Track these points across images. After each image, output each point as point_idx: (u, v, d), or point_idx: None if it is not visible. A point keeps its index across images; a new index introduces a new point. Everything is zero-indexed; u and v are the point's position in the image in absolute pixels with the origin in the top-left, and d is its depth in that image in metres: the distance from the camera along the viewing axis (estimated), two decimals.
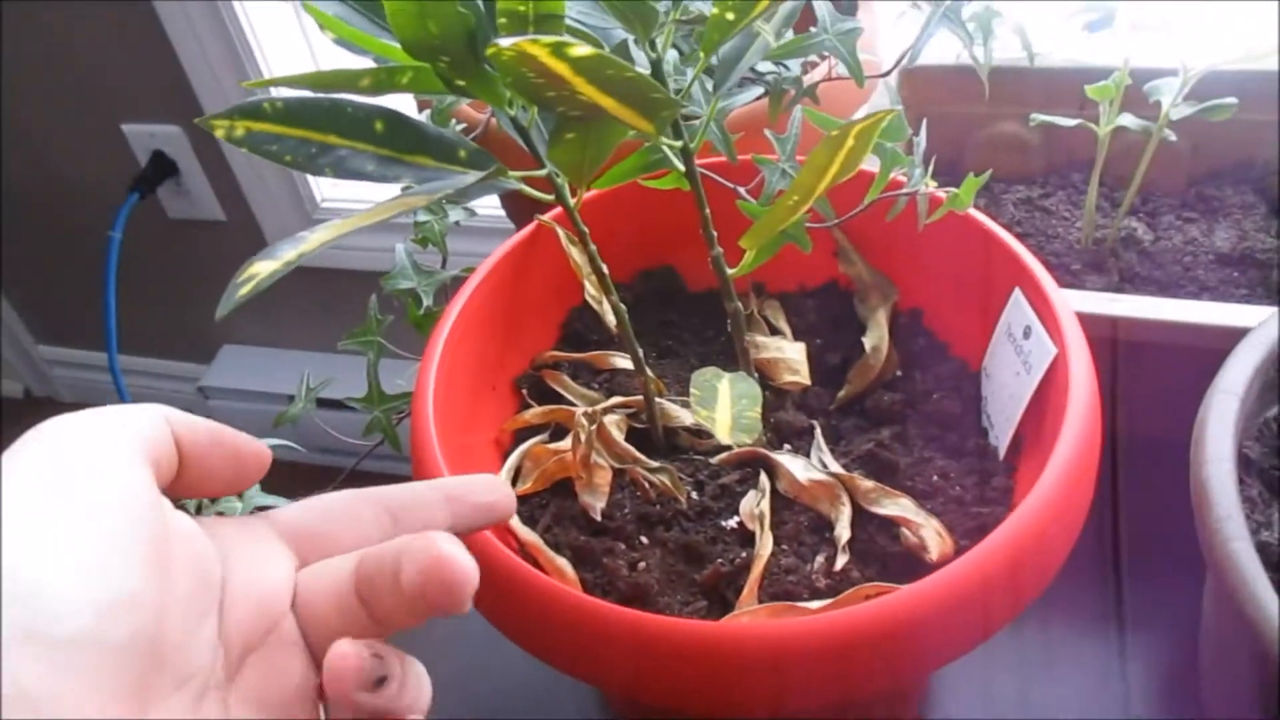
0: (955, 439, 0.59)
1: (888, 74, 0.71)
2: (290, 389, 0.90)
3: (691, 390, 0.47)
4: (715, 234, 0.51)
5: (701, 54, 0.41)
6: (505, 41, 0.32)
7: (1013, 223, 0.90)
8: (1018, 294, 0.57)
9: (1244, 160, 0.91)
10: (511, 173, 0.46)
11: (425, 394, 0.55)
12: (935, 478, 0.57)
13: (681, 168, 0.48)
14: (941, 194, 0.54)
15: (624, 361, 0.65)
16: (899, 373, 0.64)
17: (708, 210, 0.50)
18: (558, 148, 0.43)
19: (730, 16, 0.39)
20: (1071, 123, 0.80)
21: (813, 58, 0.77)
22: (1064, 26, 0.85)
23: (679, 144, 0.45)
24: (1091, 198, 0.84)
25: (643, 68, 0.42)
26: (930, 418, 0.61)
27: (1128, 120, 0.80)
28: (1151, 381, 0.69)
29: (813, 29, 0.62)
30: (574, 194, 0.50)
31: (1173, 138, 0.79)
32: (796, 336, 0.66)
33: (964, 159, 0.96)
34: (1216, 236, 0.87)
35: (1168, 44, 0.79)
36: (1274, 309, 0.61)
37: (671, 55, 0.67)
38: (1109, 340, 0.69)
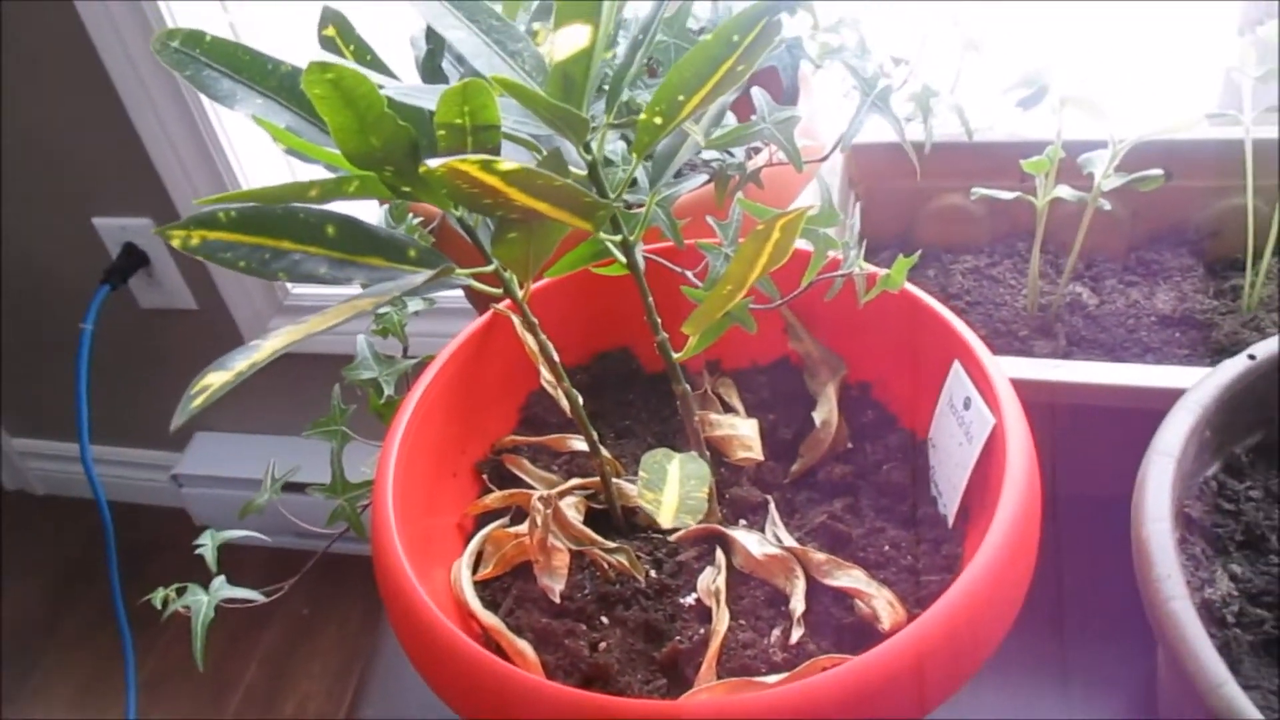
0: (906, 509, 0.61)
1: (826, 158, 0.73)
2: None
3: (640, 473, 0.48)
4: (659, 320, 0.53)
5: (634, 155, 0.44)
6: (434, 162, 0.34)
7: (962, 292, 0.92)
8: (957, 366, 0.59)
9: (1180, 224, 0.94)
10: (461, 270, 0.48)
11: (384, 484, 0.56)
12: (887, 547, 0.58)
13: (623, 259, 0.50)
14: (877, 272, 0.57)
15: (582, 444, 0.66)
16: (850, 445, 0.66)
17: (650, 299, 0.52)
18: (501, 246, 0.45)
19: (658, 121, 0.41)
20: (1010, 196, 0.83)
21: (756, 144, 0.80)
22: (1001, 101, 0.88)
23: (618, 238, 0.47)
24: (1034, 266, 0.87)
25: (581, 168, 0.45)
26: (881, 488, 0.62)
27: (1064, 192, 0.83)
28: (1096, 443, 0.71)
29: (753, 117, 0.65)
30: (523, 286, 0.52)
31: (1107, 207, 0.82)
32: (750, 412, 0.68)
33: (914, 231, 0.99)
34: (1157, 299, 0.89)
35: (1100, 116, 0.82)
36: (1207, 370, 0.64)
37: (620, 146, 0.70)
38: (1051, 405, 0.71)
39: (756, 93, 0.64)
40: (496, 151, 0.41)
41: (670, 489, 0.47)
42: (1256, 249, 0.84)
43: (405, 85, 0.39)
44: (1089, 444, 0.72)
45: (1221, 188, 0.88)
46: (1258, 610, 0.57)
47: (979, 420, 0.56)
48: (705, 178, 0.65)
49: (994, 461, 0.54)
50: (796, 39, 0.80)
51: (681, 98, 0.40)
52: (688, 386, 0.56)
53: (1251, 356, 0.63)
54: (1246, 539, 0.61)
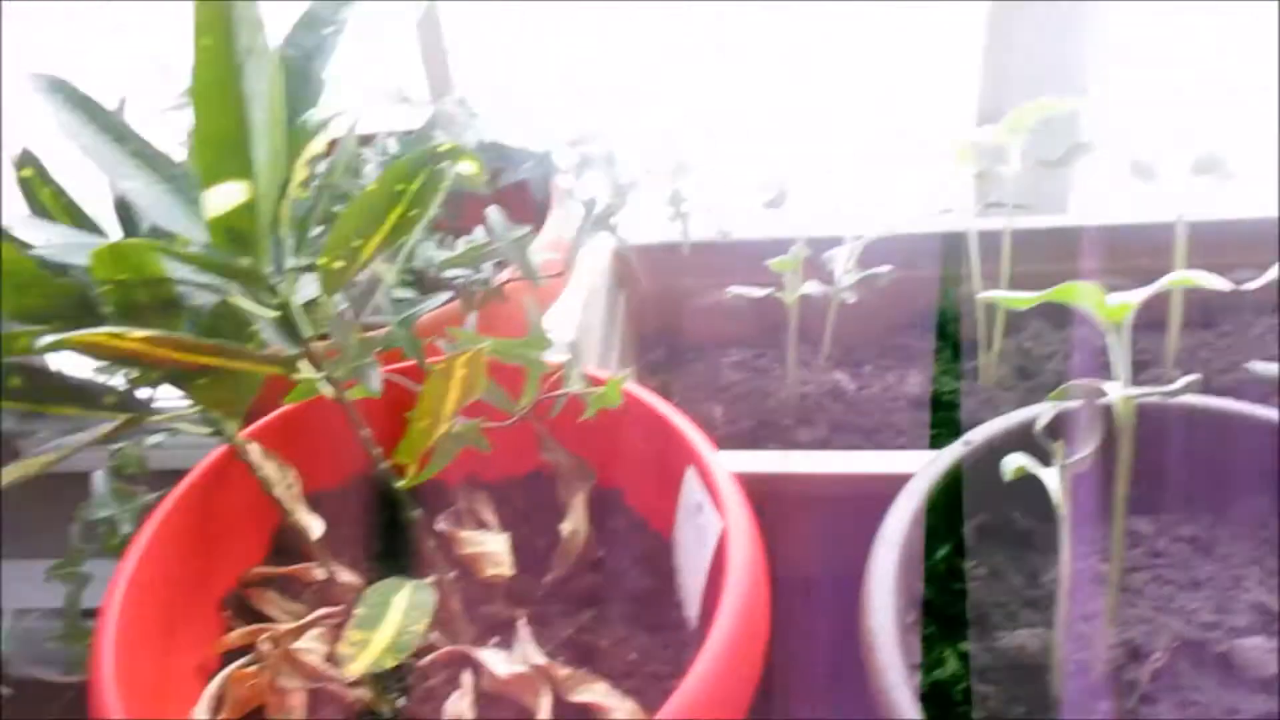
0: (653, 614, 0.62)
1: (559, 275, 0.74)
2: (33, 601, 0.86)
3: (357, 610, 0.48)
4: (379, 450, 0.53)
5: (325, 296, 0.44)
6: (70, 335, 0.33)
7: (730, 385, 0.95)
8: (690, 471, 0.61)
9: (927, 309, 1.00)
10: (159, 415, 0.47)
11: (105, 630, 0.54)
12: (633, 655, 0.59)
13: (330, 393, 0.49)
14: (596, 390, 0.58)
15: (342, 573, 0.65)
16: (601, 553, 0.66)
17: (365, 431, 0.52)
18: (195, 391, 0.45)
19: (339, 265, 0.42)
20: (762, 293, 0.87)
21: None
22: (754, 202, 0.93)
23: (320, 375, 0.47)
24: (791, 359, 0.91)
25: (271, 310, 0.44)
26: (630, 595, 0.63)
27: (810, 288, 0.87)
28: (834, 529, 0.74)
29: (489, 236, 0.66)
30: (240, 423, 0.51)
31: (851, 300, 0.87)
32: (505, 526, 0.68)
33: (684, 327, 1.02)
34: (909, 382, 0.95)
35: (838, 215, 0.87)
36: (932, 454, 0.67)
37: None
38: (788, 495, 0.74)
39: (491, 213, 0.66)
40: (173, 303, 0.41)
41: (388, 625, 0.47)
42: (988, 333, 0.90)
43: (58, 244, 0.39)
44: (825, 529, 0.74)
45: (956, 275, 0.93)
46: (984, 687, 0.60)
47: (710, 524, 0.58)
48: (447, 296, 0.65)
49: (723, 564, 0.56)
50: (547, 153, 0.82)
51: (357, 243, 0.41)
52: (415, 514, 0.56)
53: (967, 442, 0.67)
54: (974, 617, 0.64)
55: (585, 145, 0.84)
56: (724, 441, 0.91)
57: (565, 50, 1.09)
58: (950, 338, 0.98)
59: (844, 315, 0.97)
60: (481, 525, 0.68)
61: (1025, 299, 0.54)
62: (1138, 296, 0.53)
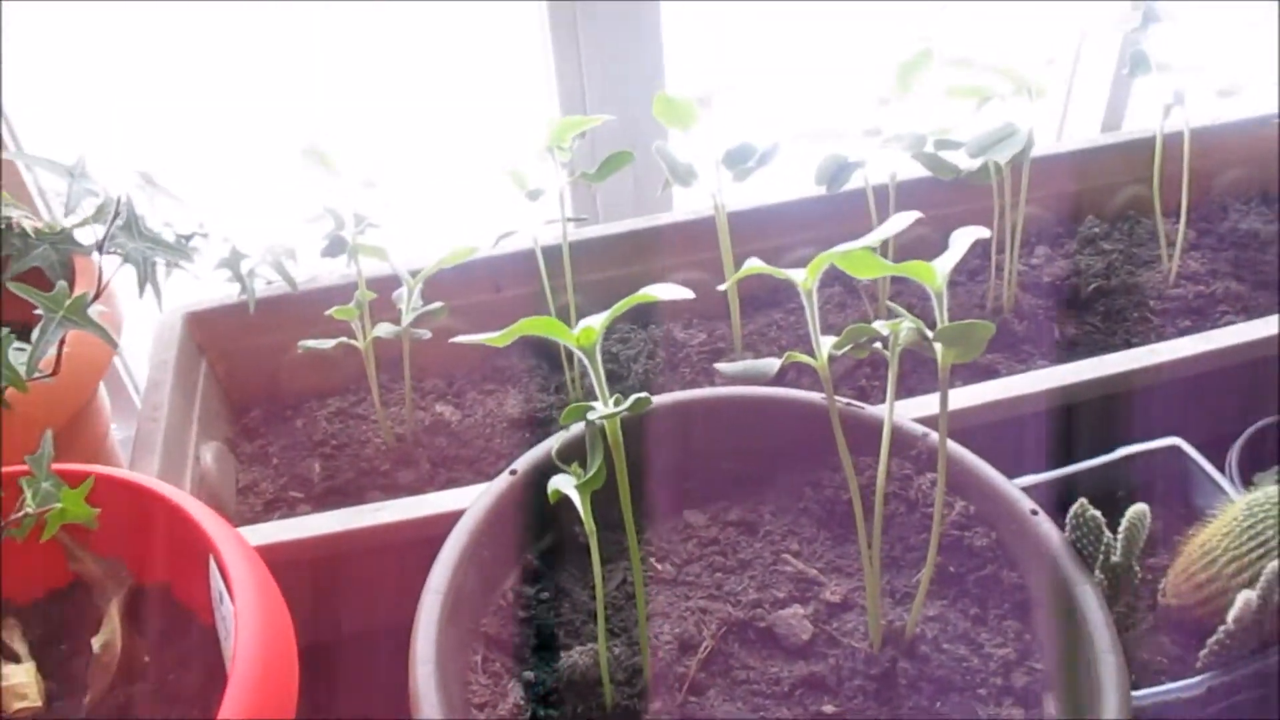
0: (199, 713, 0.59)
1: (53, 374, 0.67)
2: None
3: None
4: None
5: None
6: None
7: (328, 437, 0.93)
8: (211, 562, 0.58)
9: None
10: None
11: None
12: None
13: None
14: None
15: None
16: (147, 659, 0.63)
17: None
18: None
19: None
20: (331, 344, 0.85)
21: None
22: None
23: None
24: (376, 401, 0.90)
25: None
26: (175, 699, 0.60)
27: (383, 330, 0.86)
28: (386, 581, 0.74)
29: None
30: None
31: (426, 335, 0.87)
32: (41, 649, 0.63)
33: (280, 383, 0.98)
34: (508, 404, 0.96)
35: (387, 259, 0.86)
36: (485, 487, 0.68)
37: None
38: (362, 549, 0.74)
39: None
40: None
41: None
42: (569, 349, 0.92)
43: None
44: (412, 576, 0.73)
45: (537, 292, 0.94)
46: (548, 710, 0.61)
47: (230, 614, 0.55)
48: None
49: None
50: (65, 232, 0.76)
51: None
52: None
53: (513, 472, 0.68)
54: (539, 642, 0.65)
55: (108, 215, 0.78)
56: (325, 497, 0.88)
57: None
58: (545, 353, 1.00)
59: (443, 347, 0.97)
60: (11, 656, 0.62)
61: (498, 337, 0.55)
62: (598, 321, 0.55)
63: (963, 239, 0.58)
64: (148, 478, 0.63)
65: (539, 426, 0.93)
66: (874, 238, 0.55)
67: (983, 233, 0.58)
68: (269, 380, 0.98)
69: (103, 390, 0.88)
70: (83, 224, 0.76)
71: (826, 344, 0.59)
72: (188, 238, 0.80)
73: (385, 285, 0.89)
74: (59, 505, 0.51)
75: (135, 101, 1.02)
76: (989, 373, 0.91)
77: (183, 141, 1.03)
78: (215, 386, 0.95)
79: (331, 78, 1.04)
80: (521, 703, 0.61)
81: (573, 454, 0.65)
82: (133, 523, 0.63)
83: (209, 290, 0.95)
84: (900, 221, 0.56)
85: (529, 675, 0.63)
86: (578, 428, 0.70)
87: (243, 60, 1.03)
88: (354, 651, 0.81)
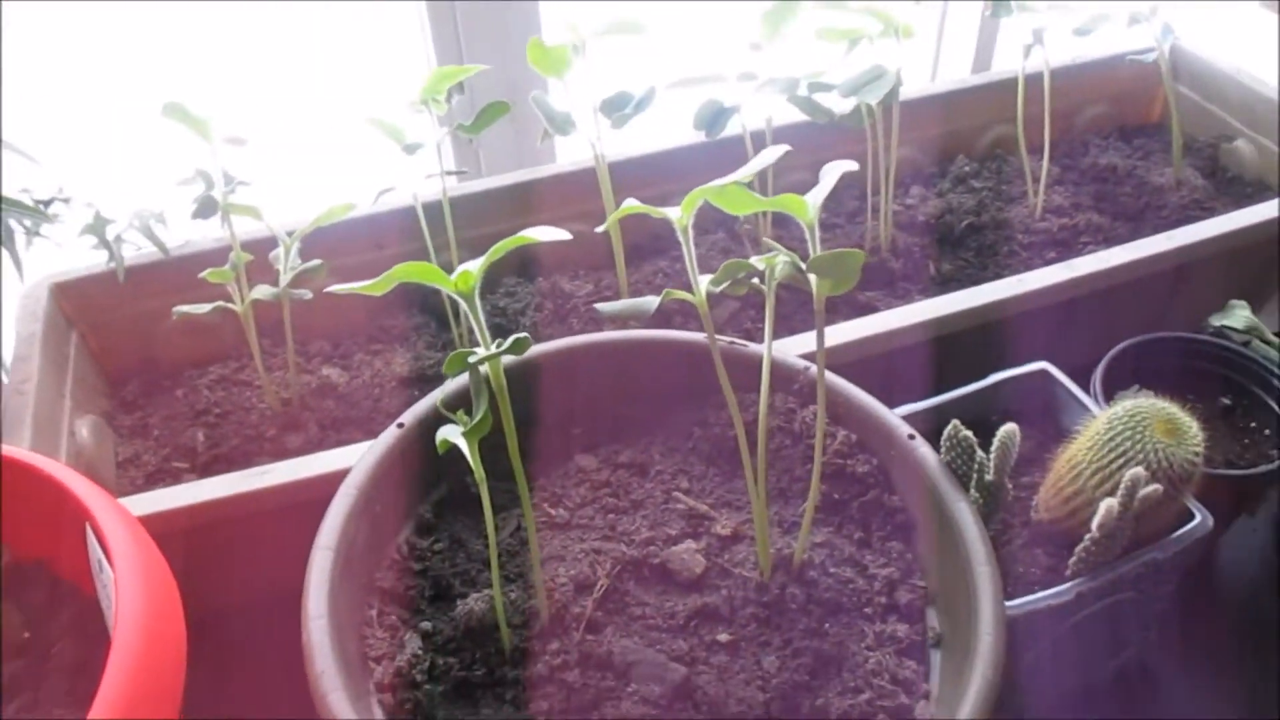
0: (85, 685, 0.57)
1: None
2: None
3: None
4: None
5: None
6: None
7: (211, 405, 0.91)
8: (88, 530, 0.57)
9: (405, 288, 1.00)
10: None
11: None
12: None
13: None
14: None
15: None
16: (27, 635, 0.61)
17: None
18: None
19: None
20: (208, 308, 0.82)
21: None
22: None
23: None
24: (259, 365, 0.88)
25: None
26: (61, 670, 0.58)
27: (261, 292, 0.84)
28: (278, 545, 0.73)
29: None
30: None
31: (307, 296, 0.85)
32: None
33: (158, 352, 0.96)
34: (396, 363, 0.95)
35: (261, 218, 0.84)
36: (373, 442, 0.67)
37: None
38: (254, 514, 0.72)
39: None
40: None
41: None
42: (454, 305, 0.92)
43: None
44: (268, 549, 0.72)
45: (420, 249, 0.93)
46: (447, 659, 0.61)
47: (111, 580, 0.54)
48: None
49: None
50: None
51: None
52: None
53: (400, 425, 0.68)
54: (436, 592, 0.65)
55: None
56: (211, 466, 0.87)
57: None
58: (432, 310, 0.99)
59: (327, 309, 0.95)
60: None
61: (374, 284, 0.54)
62: (475, 265, 0.55)
63: (832, 171, 0.60)
64: (17, 449, 0.61)
65: (428, 384, 0.92)
66: (745, 172, 0.55)
67: (850, 165, 0.60)
68: (145, 350, 0.95)
69: None
70: None
71: (704, 281, 0.60)
72: (46, 203, 0.77)
73: (262, 247, 0.87)
74: None
75: None
76: (868, 310, 0.94)
77: (37, 101, 0.98)
78: (88, 359, 0.92)
79: (195, 30, 1.01)
80: (420, 653, 0.61)
81: (458, 404, 0.65)
82: (4, 498, 0.61)
83: (76, 260, 0.92)
84: (770, 155, 0.57)
85: (426, 626, 0.63)
86: (463, 378, 0.69)
87: (100, 12, 0.99)
88: (248, 620, 0.80)
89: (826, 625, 0.63)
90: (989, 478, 0.68)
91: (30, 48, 0.97)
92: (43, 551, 0.64)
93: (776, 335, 0.89)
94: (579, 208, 1.01)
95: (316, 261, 0.82)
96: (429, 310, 1.00)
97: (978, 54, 1.33)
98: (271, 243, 0.86)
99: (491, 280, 1.01)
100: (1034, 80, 1.02)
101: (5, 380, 0.81)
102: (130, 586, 0.52)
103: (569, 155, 1.08)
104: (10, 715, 0.56)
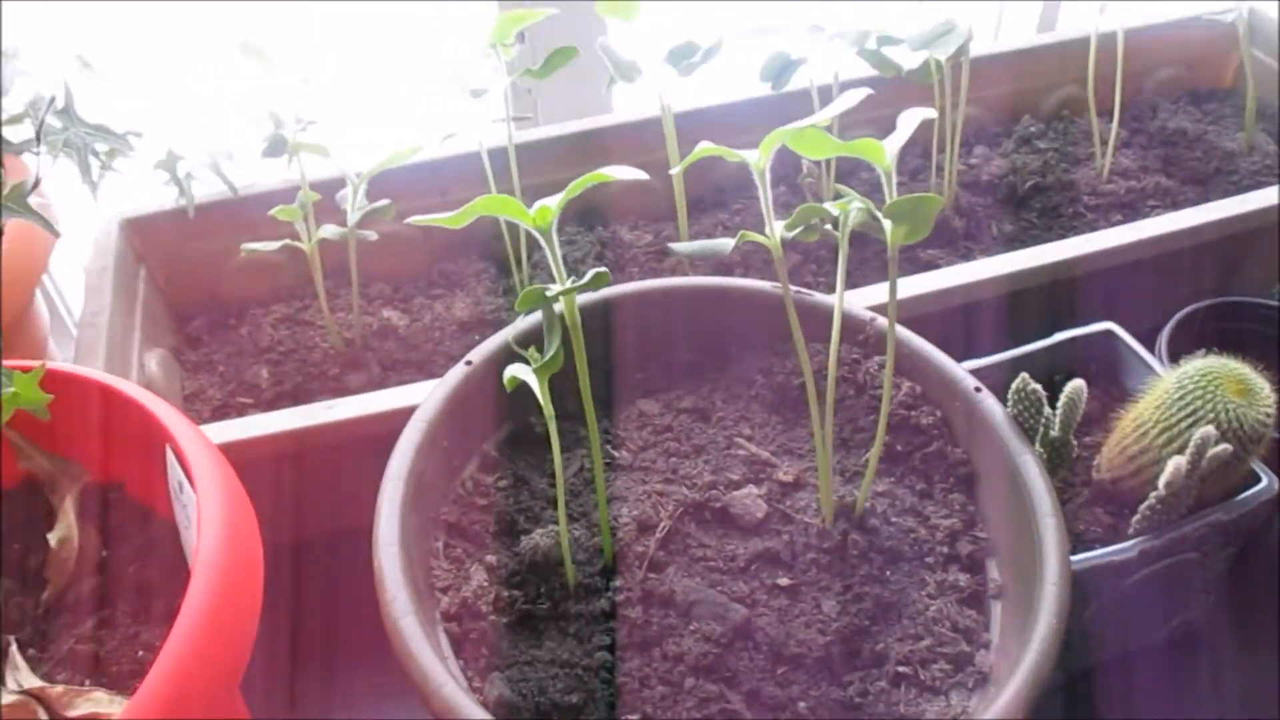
0: (162, 605, 0.59)
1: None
2: None
3: None
4: None
5: None
6: None
7: (274, 344, 0.92)
8: (169, 452, 0.58)
9: (468, 233, 1.01)
10: None
11: None
12: (141, 653, 0.56)
13: None
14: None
15: None
16: (105, 553, 0.62)
17: None
18: None
19: None
20: (275, 246, 0.84)
21: None
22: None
23: None
24: (324, 306, 0.89)
25: None
26: (138, 590, 0.60)
27: (328, 231, 0.85)
28: (341, 480, 0.74)
29: None
30: None
31: (372, 237, 0.86)
32: None
33: (223, 290, 0.97)
34: (456, 307, 0.95)
35: (329, 158, 0.85)
36: (442, 379, 0.68)
37: None
38: (324, 445, 0.74)
39: None
40: None
41: None
42: (515, 249, 0.92)
43: None
44: (348, 477, 0.73)
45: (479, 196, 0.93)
46: (511, 592, 0.62)
47: (191, 500, 0.55)
48: None
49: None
50: None
51: None
52: None
53: (469, 363, 0.68)
54: (500, 527, 0.66)
55: (42, 104, 0.75)
56: (273, 403, 0.88)
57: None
58: (493, 257, 1.00)
59: (389, 252, 0.97)
60: None
61: (456, 216, 0.54)
62: (554, 201, 0.56)
63: (909, 119, 0.59)
64: (98, 372, 0.62)
65: (488, 328, 0.92)
66: (824, 114, 0.55)
67: (929, 113, 0.59)
68: (211, 287, 0.96)
69: (39, 298, 0.86)
70: (11, 121, 0.74)
71: (779, 226, 0.59)
72: (120, 136, 0.78)
73: (328, 188, 0.87)
74: (11, 390, 0.51)
75: None
76: (930, 267, 0.93)
77: (112, 39, 0.99)
78: (156, 294, 0.93)
79: None
80: (485, 584, 0.62)
81: (529, 341, 0.66)
82: (84, 419, 0.62)
83: (144, 197, 0.93)
84: (851, 98, 0.56)
85: (490, 559, 0.64)
86: (534, 317, 0.70)
87: None
88: (314, 552, 0.82)
89: (887, 572, 0.63)
90: (1054, 433, 0.68)
91: None
92: (121, 474, 0.65)
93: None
94: (641, 158, 0.99)
95: (385, 201, 0.83)
96: (489, 256, 1.00)
97: (1044, 13, 1.31)
98: (335, 185, 0.87)
99: None
100: (1103, 41, 1.00)
101: (69, 325, 0.83)
102: (212, 507, 0.53)
103: (625, 106, 1.08)
104: (87, 632, 0.58)
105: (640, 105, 1.02)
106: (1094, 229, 0.96)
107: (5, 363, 0.56)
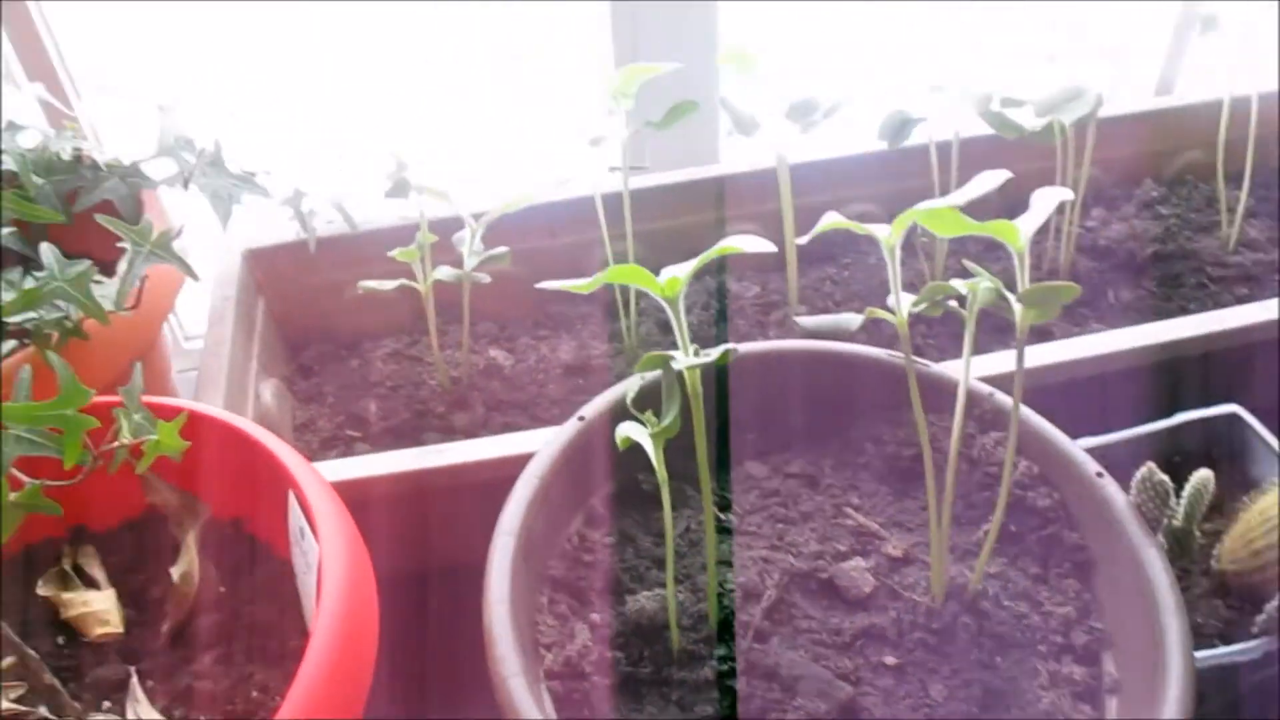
0: (276, 645, 0.60)
1: (134, 308, 0.68)
2: None
3: None
4: None
5: None
6: None
7: (383, 379, 0.94)
8: (291, 497, 0.59)
9: (576, 273, 1.02)
10: None
11: None
12: (255, 693, 0.57)
13: None
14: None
15: None
16: (223, 589, 0.64)
17: None
18: None
19: None
20: (392, 285, 0.85)
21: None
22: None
23: None
24: (434, 344, 0.90)
25: None
26: (254, 629, 0.61)
27: (444, 273, 0.87)
28: (475, 517, 0.75)
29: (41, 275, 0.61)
30: None
31: (485, 279, 0.87)
32: (118, 577, 0.65)
33: (334, 323, 0.99)
34: (561, 350, 0.96)
35: (449, 201, 0.86)
36: (554, 431, 0.68)
37: None
38: (426, 489, 0.75)
39: (45, 250, 0.61)
40: None
41: None
42: (624, 294, 0.93)
43: None
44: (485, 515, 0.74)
45: (593, 239, 0.94)
46: (615, 653, 0.62)
47: (312, 547, 0.57)
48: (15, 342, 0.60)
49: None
50: (134, 165, 0.77)
51: None
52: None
53: (581, 418, 0.69)
54: (605, 585, 0.66)
55: (186, 151, 0.78)
56: (380, 437, 0.89)
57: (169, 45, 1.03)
58: (599, 300, 1.00)
59: (497, 292, 0.98)
60: (90, 582, 0.64)
61: (587, 284, 0.55)
62: (683, 271, 0.56)
63: (1045, 199, 0.58)
64: (227, 414, 0.64)
65: (593, 374, 0.93)
66: (960, 197, 0.54)
67: (1066, 194, 0.58)
68: (324, 320, 0.99)
69: (164, 328, 0.89)
70: (150, 159, 0.77)
71: (906, 301, 0.59)
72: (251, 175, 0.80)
73: (443, 228, 0.89)
74: (154, 437, 0.52)
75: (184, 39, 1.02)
76: (1044, 335, 0.91)
77: (239, 81, 1.03)
78: (272, 325, 0.96)
79: (395, 30, 1.04)
80: (589, 644, 0.62)
81: (645, 403, 0.66)
82: (211, 457, 0.64)
83: (263, 228, 0.96)
84: (989, 180, 0.55)
85: (595, 617, 0.64)
86: (650, 377, 0.70)
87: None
88: (412, 586, 0.83)
89: (998, 659, 0.61)
90: (1177, 523, 0.66)
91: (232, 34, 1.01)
92: (239, 511, 0.67)
93: (945, 357, 0.87)
94: (751, 209, 1.00)
95: (503, 249, 0.84)
96: (595, 299, 1.01)
97: (1162, 76, 1.28)
98: (450, 224, 0.89)
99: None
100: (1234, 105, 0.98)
101: (182, 346, 0.85)
102: (334, 558, 0.54)
103: (733, 154, 1.08)
104: (204, 669, 0.59)
105: (750, 155, 1.02)
106: (1217, 301, 0.94)
107: (146, 401, 0.58)
